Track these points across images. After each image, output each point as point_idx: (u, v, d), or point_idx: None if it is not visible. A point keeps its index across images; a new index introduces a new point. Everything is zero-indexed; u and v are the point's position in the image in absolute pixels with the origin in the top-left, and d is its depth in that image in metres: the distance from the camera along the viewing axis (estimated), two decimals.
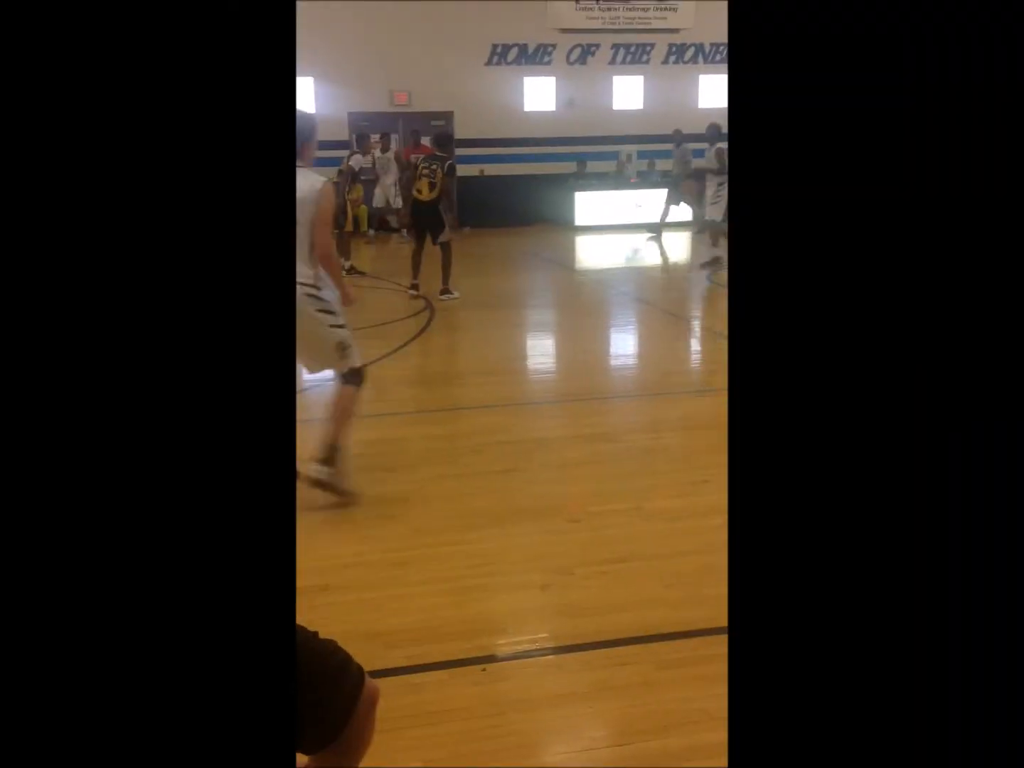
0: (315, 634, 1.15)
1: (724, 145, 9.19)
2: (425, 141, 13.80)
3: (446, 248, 8.25)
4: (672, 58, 15.31)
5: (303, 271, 3.46)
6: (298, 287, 3.37)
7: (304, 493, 3.77)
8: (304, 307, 3.42)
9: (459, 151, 14.63)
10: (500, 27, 14.47)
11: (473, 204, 13.80)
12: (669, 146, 13.07)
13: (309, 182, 3.48)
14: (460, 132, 14.42)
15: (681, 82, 15.09)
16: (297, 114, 3.82)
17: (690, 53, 15.25)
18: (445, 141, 8.78)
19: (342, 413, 3.68)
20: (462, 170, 13.14)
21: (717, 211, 9.51)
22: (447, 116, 13.93)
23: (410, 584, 3.00)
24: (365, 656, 1.48)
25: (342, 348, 3.64)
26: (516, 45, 14.74)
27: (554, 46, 14.88)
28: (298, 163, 3.51)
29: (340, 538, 3.38)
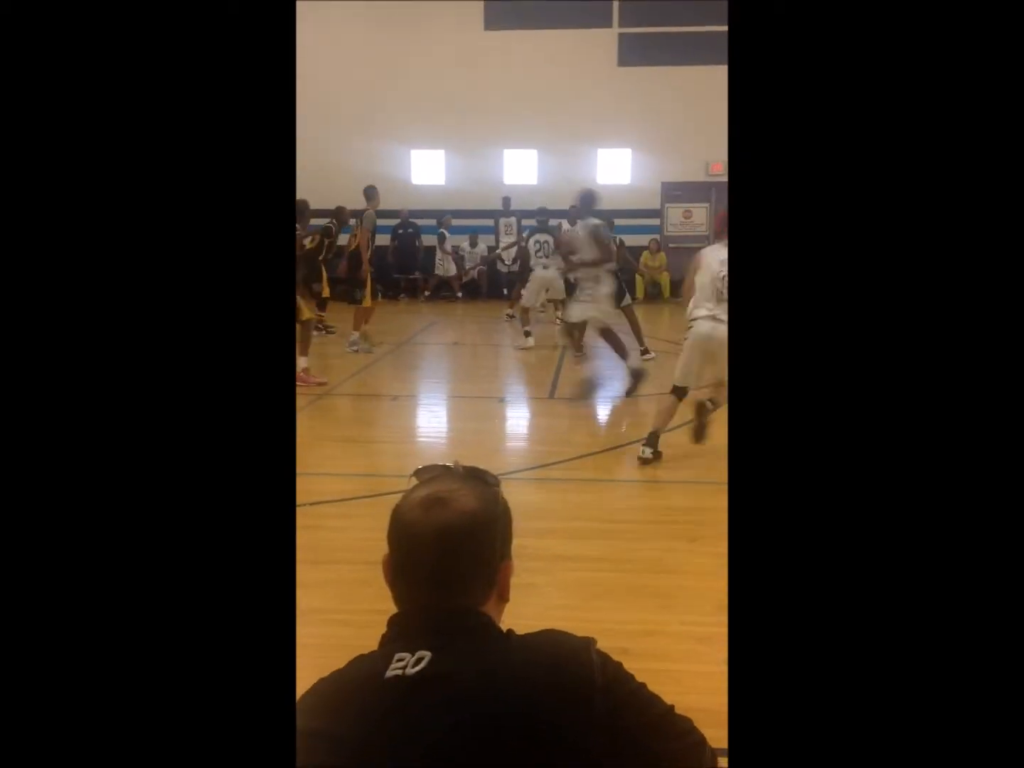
0: (671, 708, 1.09)
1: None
2: None
3: (630, 312, 8.44)
4: None
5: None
6: (717, 321, 4.67)
7: (603, 560, 3.78)
8: (723, 334, 4.41)
9: None
10: None
11: None
12: None
13: (718, 253, 4.76)
14: None
15: None
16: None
17: None
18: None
19: (669, 414, 5.23)
20: None
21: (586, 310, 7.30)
22: None
23: (714, 662, 2.85)
24: None
25: None
26: None
27: None
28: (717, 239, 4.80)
29: (641, 604, 3.32)
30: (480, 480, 1.19)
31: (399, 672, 1.06)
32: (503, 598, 1.18)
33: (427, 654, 1.06)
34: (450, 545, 1.11)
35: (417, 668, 1.05)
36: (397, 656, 1.07)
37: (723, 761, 2.32)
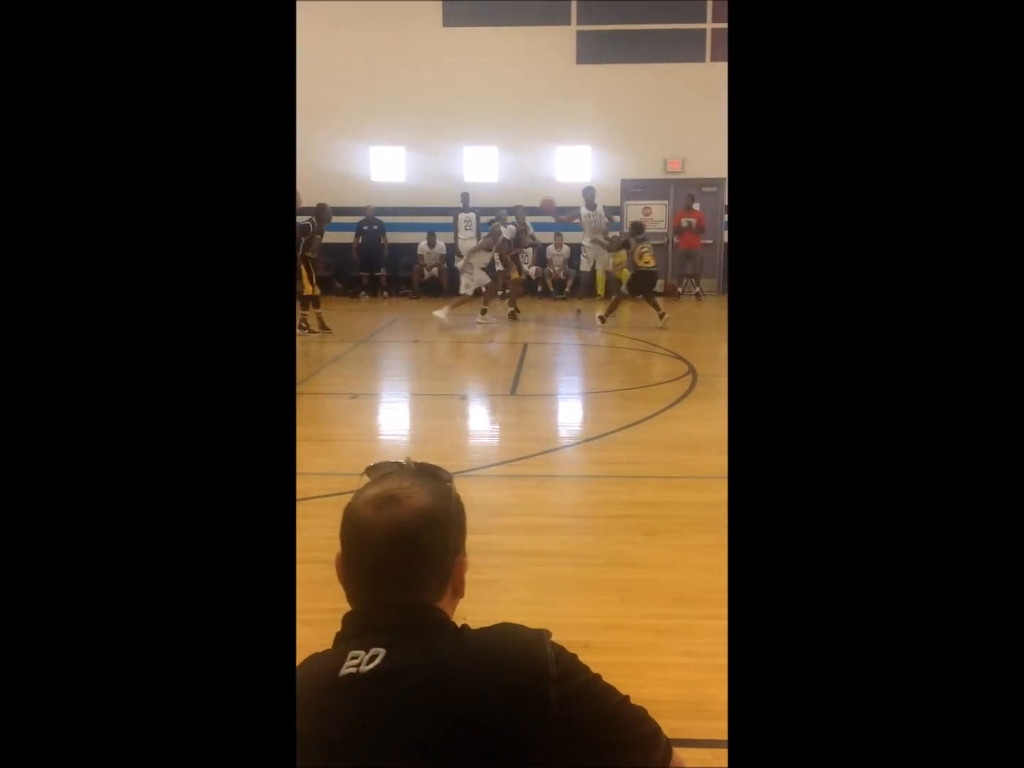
0: (626, 698, 1.11)
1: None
2: (696, 207, 13.80)
3: (652, 299, 10.80)
4: None
5: None
6: None
7: (563, 555, 3.81)
8: None
9: None
10: None
11: None
12: None
13: None
14: None
15: None
16: None
17: None
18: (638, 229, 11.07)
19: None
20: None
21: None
22: (719, 183, 13.88)
23: (674, 654, 2.90)
24: None
25: None
26: None
27: None
28: None
29: (601, 598, 3.36)
30: (432, 476, 1.19)
31: (353, 670, 1.06)
32: (457, 594, 1.19)
33: (380, 651, 1.07)
34: (402, 542, 1.11)
35: (371, 666, 1.06)
36: (351, 654, 1.08)
37: (715, 753, 2.37)
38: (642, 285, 10.79)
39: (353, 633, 1.12)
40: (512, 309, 11.47)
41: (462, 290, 11.29)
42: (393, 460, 1.21)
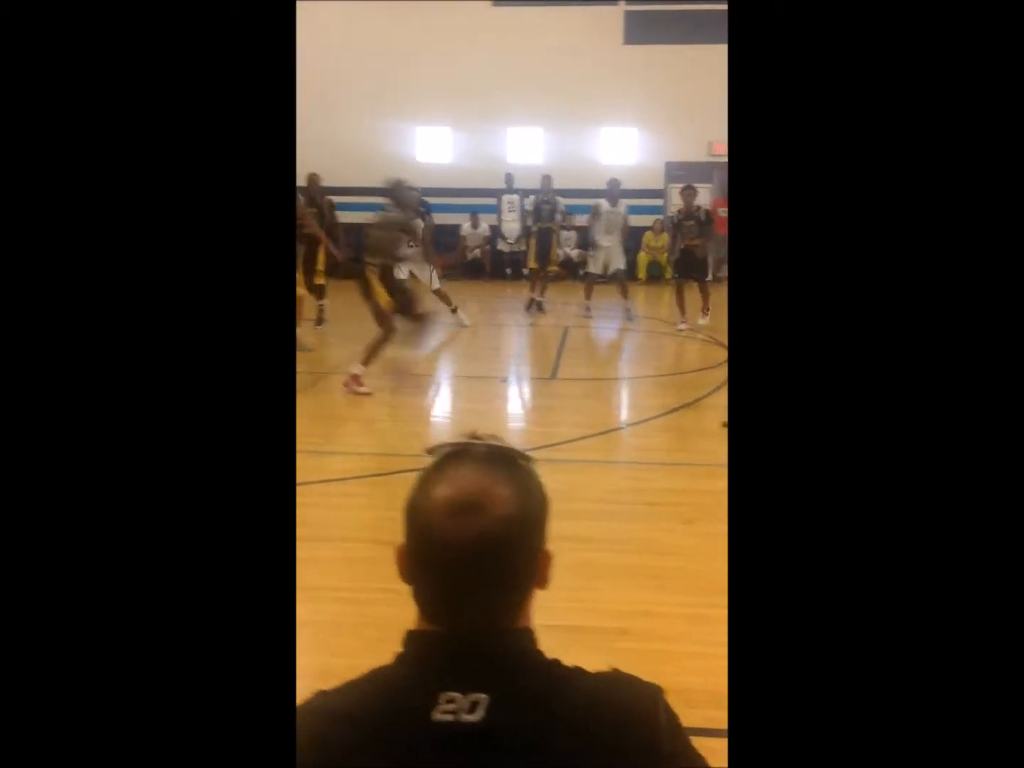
0: (706, 763, 1.03)
1: None
2: None
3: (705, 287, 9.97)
4: None
5: None
6: None
7: (599, 541, 3.81)
8: None
9: None
10: None
11: None
12: None
13: None
14: None
15: None
16: None
17: None
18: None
19: None
20: None
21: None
22: None
23: (709, 643, 2.89)
24: None
25: None
26: None
27: None
28: None
29: (638, 583, 3.36)
30: (511, 464, 1.01)
31: (450, 717, 0.94)
32: (541, 588, 1.04)
33: (483, 697, 0.94)
34: (488, 559, 0.96)
35: (474, 716, 0.94)
36: (446, 696, 0.95)
37: (719, 743, 2.37)
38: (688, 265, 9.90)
39: (435, 664, 0.98)
40: (532, 297, 10.71)
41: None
42: (460, 438, 1.02)
